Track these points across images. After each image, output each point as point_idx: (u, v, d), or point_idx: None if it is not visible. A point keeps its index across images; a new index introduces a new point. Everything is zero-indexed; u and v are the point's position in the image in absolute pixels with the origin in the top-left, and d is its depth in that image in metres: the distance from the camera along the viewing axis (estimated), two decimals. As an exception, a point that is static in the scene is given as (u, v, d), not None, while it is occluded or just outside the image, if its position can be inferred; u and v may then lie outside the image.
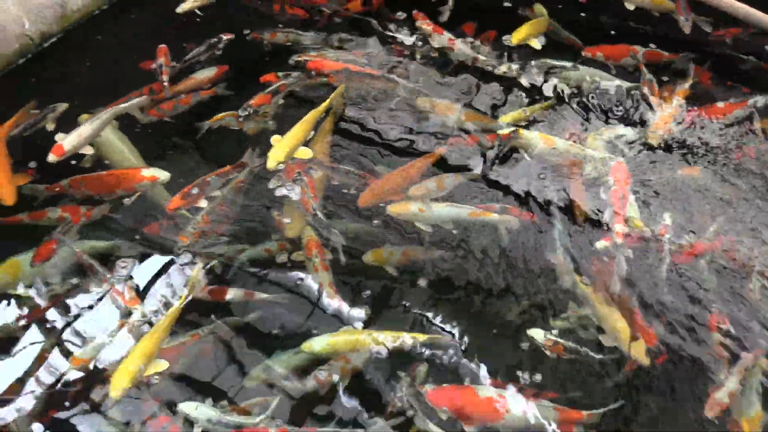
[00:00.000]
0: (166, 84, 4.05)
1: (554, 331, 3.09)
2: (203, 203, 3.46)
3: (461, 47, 4.50)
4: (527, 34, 4.62)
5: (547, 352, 3.01)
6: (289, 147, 3.58)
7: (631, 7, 4.85)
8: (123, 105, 3.79)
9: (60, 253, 3.30)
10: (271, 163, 3.49)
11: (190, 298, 3.12)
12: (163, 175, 3.51)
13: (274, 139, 3.66)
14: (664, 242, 3.35)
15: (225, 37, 4.48)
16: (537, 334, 3.07)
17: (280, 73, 4.20)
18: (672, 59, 4.54)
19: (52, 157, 3.44)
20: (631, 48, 4.54)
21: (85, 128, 3.58)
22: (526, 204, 3.66)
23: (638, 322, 3.08)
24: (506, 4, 5.03)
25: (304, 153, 3.63)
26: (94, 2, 4.49)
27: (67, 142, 3.49)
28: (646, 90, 4.26)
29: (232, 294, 3.22)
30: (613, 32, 4.83)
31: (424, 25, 4.62)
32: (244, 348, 3.09)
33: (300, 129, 3.70)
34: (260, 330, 3.15)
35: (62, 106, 3.93)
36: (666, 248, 3.33)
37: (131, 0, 4.73)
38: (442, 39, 4.55)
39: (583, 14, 4.96)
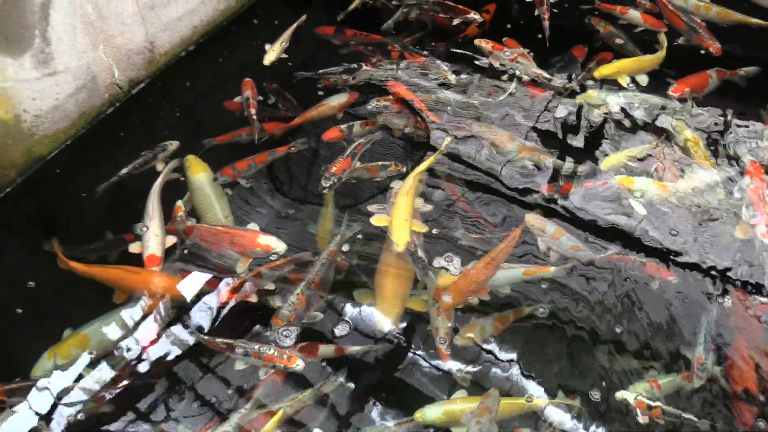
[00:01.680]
0: (254, 118, 3.95)
1: (644, 394, 2.99)
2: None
3: (525, 64, 4.36)
4: (617, 70, 4.47)
5: (642, 417, 2.93)
6: (410, 223, 3.43)
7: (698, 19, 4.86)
8: (163, 175, 3.65)
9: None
10: (400, 246, 3.30)
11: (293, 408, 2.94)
12: (280, 246, 3.36)
13: (377, 219, 3.54)
14: None
15: (365, 65, 4.38)
16: (627, 396, 2.99)
17: (342, 126, 4.05)
18: (731, 76, 4.51)
19: (156, 270, 3.28)
20: (708, 74, 4.48)
21: (154, 224, 3.41)
22: (665, 260, 3.48)
23: None
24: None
25: (420, 227, 3.51)
26: (180, 44, 4.41)
27: (153, 248, 3.31)
28: None
29: (322, 350, 3.11)
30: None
31: (483, 43, 4.53)
32: (342, 412, 3.00)
33: (409, 200, 3.54)
34: (355, 390, 3.06)
35: (173, 145, 3.86)
36: None
37: (218, 40, 4.63)
38: (501, 57, 4.44)
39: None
